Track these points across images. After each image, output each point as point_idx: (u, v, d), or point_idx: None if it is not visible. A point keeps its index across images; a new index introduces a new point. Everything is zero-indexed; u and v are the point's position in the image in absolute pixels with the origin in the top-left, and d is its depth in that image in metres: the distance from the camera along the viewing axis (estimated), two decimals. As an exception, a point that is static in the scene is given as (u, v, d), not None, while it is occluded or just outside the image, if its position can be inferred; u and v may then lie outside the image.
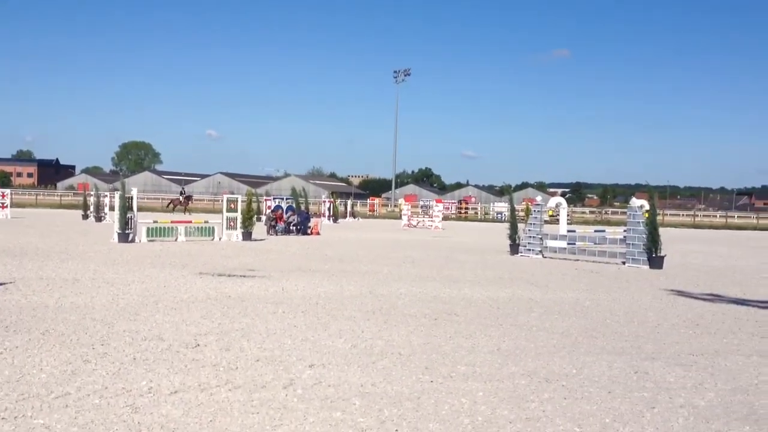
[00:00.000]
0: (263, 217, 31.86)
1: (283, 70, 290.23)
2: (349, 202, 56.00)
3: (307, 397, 5.22)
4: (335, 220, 44.04)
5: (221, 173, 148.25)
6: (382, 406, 5.02)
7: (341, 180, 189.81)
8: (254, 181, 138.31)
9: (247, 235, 23.03)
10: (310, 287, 11.56)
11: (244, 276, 12.84)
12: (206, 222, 23.59)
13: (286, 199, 31.11)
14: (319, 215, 41.56)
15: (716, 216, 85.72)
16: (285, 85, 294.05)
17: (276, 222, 27.40)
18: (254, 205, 24.79)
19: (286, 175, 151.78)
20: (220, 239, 22.38)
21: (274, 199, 37.72)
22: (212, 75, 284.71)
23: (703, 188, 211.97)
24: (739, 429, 4.74)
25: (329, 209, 44.42)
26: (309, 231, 27.94)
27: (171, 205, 50.24)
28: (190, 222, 23.50)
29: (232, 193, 28.93)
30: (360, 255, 18.68)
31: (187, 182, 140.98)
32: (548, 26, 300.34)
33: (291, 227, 27.41)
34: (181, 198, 49.12)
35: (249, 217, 23.30)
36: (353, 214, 54.58)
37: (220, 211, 25.54)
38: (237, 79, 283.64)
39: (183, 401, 5.03)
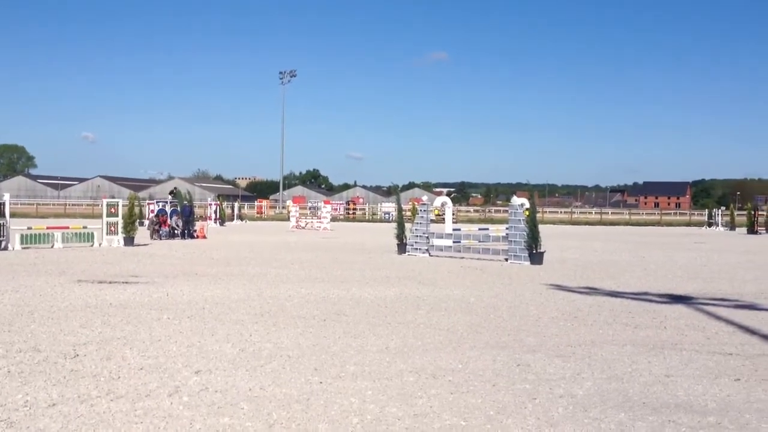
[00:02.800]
0: (146, 222, 30.97)
1: (166, 71, 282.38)
2: (236, 205, 55.19)
3: (194, 403, 5.11)
4: (222, 223, 43.29)
5: (101, 177, 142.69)
6: (270, 410, 4.98)
7: (228, 182, 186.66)
8: (136, 185, 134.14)
9: (129, 240, 22.31)
10: (196, 292, 11.32)
11: (127, 282, 12.43)
12: (85, 227, 22.70)
13: (170, 202, 30.26)
14: (205, 218, 40.71)
15: (592, 213, 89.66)
16: (167, 86, 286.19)
17: (160, 226, 26.67)
18: (136, 209, 24.02)
19: (170, 178, 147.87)
20: (100, 245, 21.60)
21: (157, 202, 36.72)
22: (87, 75, 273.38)
23: (580, 186, 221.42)
24: (614, 416, 4.97)
25: (215, 212, 43.61)
26: (194, 235, 27.36)
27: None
28: (68, 228, 22.54)
29: (113, 197, 27.97)
30: (247, 258, 18.44)
31: (64, 186, 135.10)
32: (426, 30, 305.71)
33: (175, 231, 26.75)
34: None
35: (131, 222, 22.56)
36: (240, 217, 53.82)
37: (99, 216, 24.60)
38: (114, 80, 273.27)
39: (62, 414, 4.82)
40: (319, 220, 41.32)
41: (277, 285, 12.40)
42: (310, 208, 49.22)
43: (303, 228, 40.11)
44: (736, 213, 54.17)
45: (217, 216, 43.41)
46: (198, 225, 28.88)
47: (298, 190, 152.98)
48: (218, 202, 45.59)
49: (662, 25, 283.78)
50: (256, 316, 9.01)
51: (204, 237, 27.51)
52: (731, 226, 51.08)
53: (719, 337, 8.00)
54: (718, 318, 9.41)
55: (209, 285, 12.25)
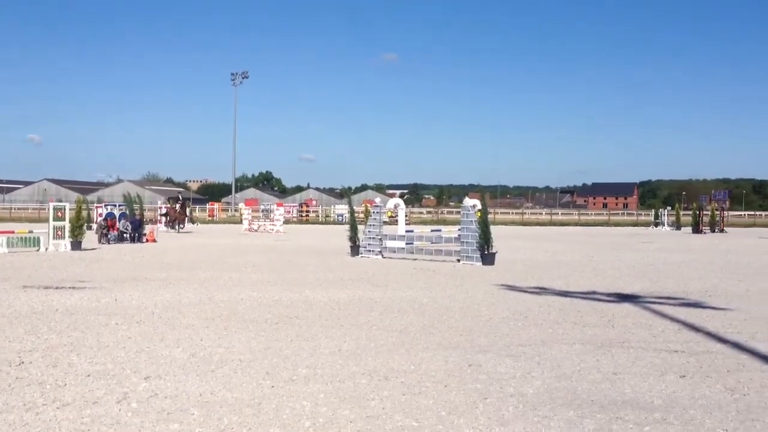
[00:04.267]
0: (94, 226, 30.41)
1: (114, 72, 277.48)
2: (188, 208, 54.47)
3: (143, 410, 5.04)
4: (172, 227, 42.72)
5: (47, 180, 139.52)
6: (221, 415, 4.94)
7: (179, 185, 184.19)
8: (84, 188, 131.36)
9: (76, 245, 21.87)
10: (145, 296, 11.15)
11: (74, 287, 12.19)
12: (31, 232, 22.18)
13: (119, 205, 29.75)
14: (155, 221, 40.13)
15: (542, 213, 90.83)
16: (116, 87, 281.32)
17: (108, 230, 26.20)
18: (84, 213, 23.56)
19: (119, 181, 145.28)
20: (46, 250, 21.12)
21: (105, 206, 36.06)
22: (32, 75, 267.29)
23: (530, 187, 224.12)
24: (563, 414, 5.05)
25: (166, 215, 43.01)
26: (144, 238, 26.95)
27: (172, 220, 39.16)
28: (13, 232, 21.99)
29: (60, 201, 27.37)
30: (199, 261, 18.24)
31: (9, 190, 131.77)
32: (377, 31, 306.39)
33: (124, 235, 26.32)
34: (177, 206, 39.54)
35: (78, 226, 22.10)
36: (192, 220, 53.18)
37: (46, 220, 24.05)
38: (61, 81, 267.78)
39: (7, 422, 4.71)
40: (272, 223, 41.11)
41: (229, 288, 12.30)
42: (262, 211, 48.75)
43: (256, 231, 39.82)
44: (681, 213, 55.41)
45: (168, 219, 42.82)
46: (147, 229, 28.43)
47: (251, 192, 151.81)
48: (169, 206, 44.97)
49: (610, 27, 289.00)
50: (207, 321, 8.92)
51: (154, 241, 27.11)
52: (677, 225, 52.26)
53: (665, 335, 8.18)
54: (664, 316, 9.62)
55: (159, 289, 12.09)
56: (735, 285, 13.54)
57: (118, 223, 26.68)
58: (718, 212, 49.57)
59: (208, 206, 76.90)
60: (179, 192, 47.41)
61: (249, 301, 10.81)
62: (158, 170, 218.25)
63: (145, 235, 27.27)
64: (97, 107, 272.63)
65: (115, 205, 33.79)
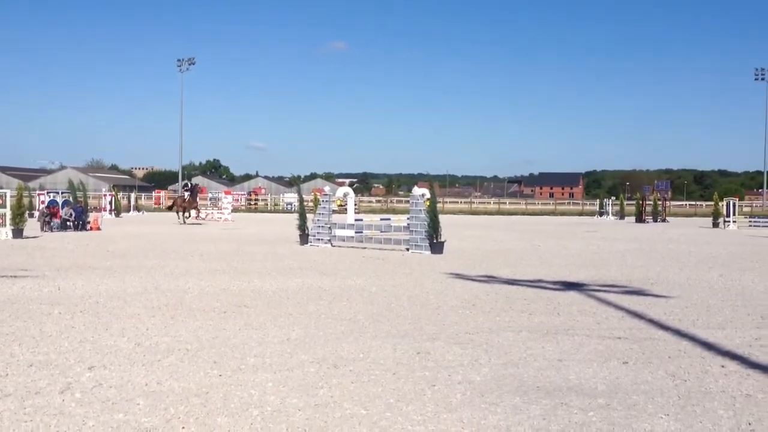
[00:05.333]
0: (36, 213, 29.70)
1: (58, 55, 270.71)
2: (133, 195, 53.71)
3: (87, 400, 4.95)
4: (117, 215, 42.02)
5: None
6: (167, 405, 4.87)
7: (124, 172, 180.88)
8: (26, 175, 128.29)
9: (17, 233, 21.34)
10: (89, 285, 10.94)
11: (15, 276, 11.89)
12: (-31, 219, 21.55)
13: (62, 192, 29.12)
14: (100, 209, 39.36)
15: (490, 203, 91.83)
16: (59, 71, 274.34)
17: (51, 218, 25.62)
18: (26, 200, 22.99)
19: (62, 168, 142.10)
20: (-15, 238, 20.54)
21: (48, 193, 35.26)
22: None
23: (479, 177, 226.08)
24: (510, 400, 5.12)
25: (111, 203, 42.27)
26: (88, 226, 26.41)
27: (177, 210, 35.10)
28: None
29: (0, 188, 26.65)
30: (145, 250, 17.96)
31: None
32: (324, 19, 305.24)
33: (68, 223, 25.76)
34: (186, 195, 35.08)
35: (20, 213, 21.57)
36: (137, 208, 52.40)
37: (-15, 207, 23.36)
38: (1, 64, 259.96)
39: (-58, 416, 4.57)
40: (219, 211, 40.74)
41: (175, 277, 12.14)
42: (210, 199, 48.28)
43: (203, 219, 39.37)
44: (625, 203, 56.57)
45: (113, 207, 42.12)
46: (92, 216, 27.88)
47: (198, 180, 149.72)
48: (113, 193, 44.21)
49: (556, 16, 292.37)
50: (153, 310, 8.79)
51: (98, 229, 26.60)
52: (621, 215, 53.39)
53: (609, 322, 8.34)
54: (608, 303, 9.81)
55: (103, 278, 11.87)
56: (676, 273, 13.88)
57: (61, 211, 26.11)
58: (661, 202, 50.72)
59: (154, 194, 75.82)
60: (189, 181, 42.48)
61: (196, 290, 10.69)
62: (103, 157, 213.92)
63: (89, 223, 26.73)
64: (39, 92, 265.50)
65: (57, 192, 33.06)
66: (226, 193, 46.41)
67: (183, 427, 4.44)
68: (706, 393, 5.35)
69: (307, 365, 6.04)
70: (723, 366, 6.21)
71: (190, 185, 36.78)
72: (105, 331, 7.40)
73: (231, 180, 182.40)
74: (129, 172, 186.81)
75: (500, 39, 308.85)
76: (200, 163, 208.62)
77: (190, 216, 35.15)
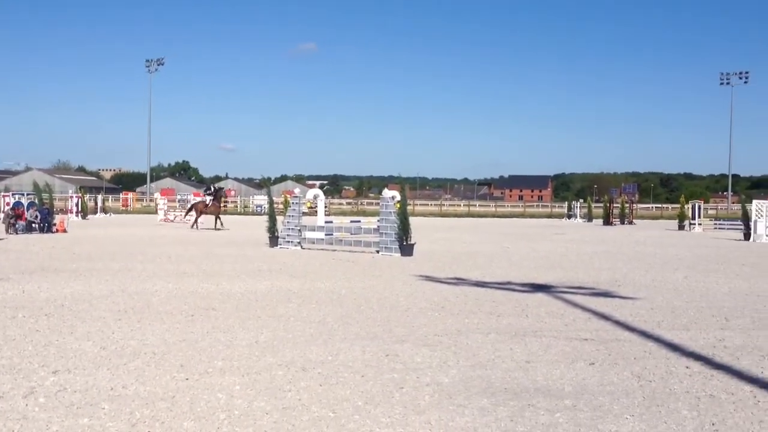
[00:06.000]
0: (1, 215, 29.22)
1: (20, 56, 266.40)
2: (100, 197, 53.08)
3: (51, 405, 4.87)
4: (84, 217, 41.51)
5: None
6: (133, 409, 4.82)
7: (91, 174, 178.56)
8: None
9: (-19, 235, 20.96)
10: (54, 288, 10.78)
11: (-23, 279, 11.68)
12: (-70, 221, 21.15)
13: (27, 194, 28.66)
14: (66, 211, 38.83)
15: (460, 205, 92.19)
16: (23, 71, 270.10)
17: (16, 220, 25.23)
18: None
19: (28, 169, 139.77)
20: (-52, 240, 20.17)
21: (13, 195, 34.71)
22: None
23: (449, 179, 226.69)
24: (478, 401, 5.14)
25: (77, 205, 41.74)
26: (54, 229, 26.06)
27: (196, 215, 32.26)
28: None
29: (-37, 189, 26.18)
30: (111, 252, 17.75)
31: None
32: (295, 20, 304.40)
33: (33, 225, 25.38)
34: (208, 199, 32.76)
35: (-17, 215, 21.22)
36: (104, 210, 51.82)
37: (-53, 209, 22.96)
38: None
39: None
40: (188, 213, 40.34)
41: (143, 280, 12.01)
42: (179, 201, 47.84)
43: (172, 221, 39.03)
44: (593, 205, 57.16)
45: (79, 209, 41.61)
46: (58, 219, 27.50)
47: (167, 182, 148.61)
48: (80, 195, 43.67)
49: (528, 20, 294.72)
50: (120, 313, 8.69)
51: (64, 231, 26.25)
52: (589, 217, 53.93)
53: (576, 324, 8.41)
54: (576, 305, 9.90)
55: (69, 281, 11.71)
56: (642, 275, 14.05)
57: (26, 213, 25.73)
58: (628, 205, 51.32)
59: (121, 196, 75.00)
60: (211, 185, 36.24)
61: (164, 292, 10.58)
62: (69, 158, 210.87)
63: (55, 225, 26.38)
64: (3, 92, 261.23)
65: (23, 194, 32.56)
66: (196, 195, 45.98)
67: (149, 431, 4.40)
68: (671, 394, 5.42)
69: (276, 368, 6.01)
70: (687, 367, 6.30)
71: (214, 188, 34.07)
72: (70, 335, 7.30)
73: (200, 182, 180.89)
74: (96, 174, 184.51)
75: (471, 41, 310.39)
76: (169, 165, 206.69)
77: (221, 223, 31.66)
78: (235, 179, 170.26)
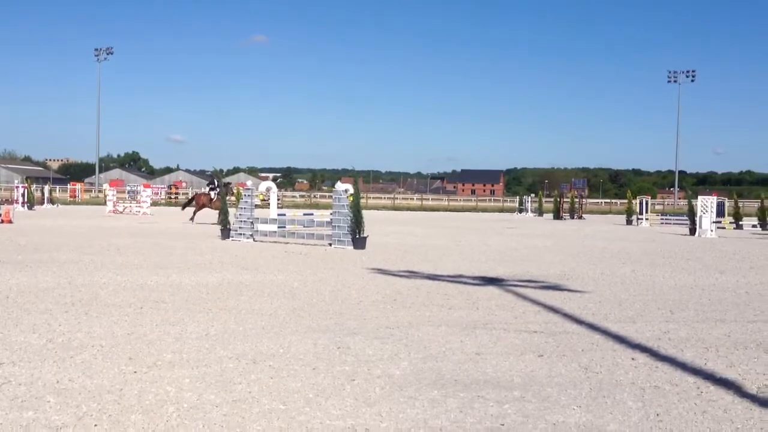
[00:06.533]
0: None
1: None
2: (47, 188, 51.96)
3: (-7, 399, 4.76)
4: (30, 207, 40.59)
5: None
6: (80, 402, 4.74)
7: (38, 164, 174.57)
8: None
9: None
10: (-2, 280, 10.53)
11: None
12: None
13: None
14: (11, 202, 37.91)
15: (413, 199, 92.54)
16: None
17: (-42, 210, 24.57)
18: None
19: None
20: None
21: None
22: None
23: (403, 173, 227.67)
24: (428, 393, 5.17)
25: (23, 195, 40.80)
26: (-1, 219, 25.44)
27: (196, 208, 30.29)
28: None
29: None
30: (58, 244, 17.39)
31: None
32: (245, 12, 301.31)
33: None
34: (213, 194, 30.32)
35: (-77, 205, 20.60)
36: (52, 201, 50.75)
37: None
38: None
39: None
40: (138, 205, 39.79)
41: (90, 272, 11.80)
42: (128, 192, 47.06)
43: (121, 212, 38.43)
44: (544, 200, 57.91)
45: (26, 199, 40.68)
46: (3, 209, 26.84)
47: (116, 173, 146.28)
48: (26, 185, 42.68)
49: (480, 15, 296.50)
50: (67, 305, 8.53)
51: (10, 222, 25.64)
52: (539, 212, 54.62)
53: (526, 316, 8.53)
54: (526, 298, 10.03)
55: (14, 272, 11.44)
56: (591, 269, 14.29)
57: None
58: (578, 200, 52.13)
59: (69, 186, 73.48)
60: (211, 174, 32.04)
61: (112, 285, 10.42)
62: (15, 148, 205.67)
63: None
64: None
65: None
66: (145, 186, 45.38)
67: (95, 425, 4.33)
68: (617, 385, 5.53)
69: (226, 361, 5.97)
70: (633, 359, 6.43)
71: (221, 182, 31.69)
72: (15, 327, 7.14)
73: (150, 173, 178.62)
74: (43, 164, 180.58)
75: (425, 34, 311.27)
76: (119, 156, 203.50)
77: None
78: (187, 171, 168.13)
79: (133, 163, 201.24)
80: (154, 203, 50.16)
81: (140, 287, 10.24)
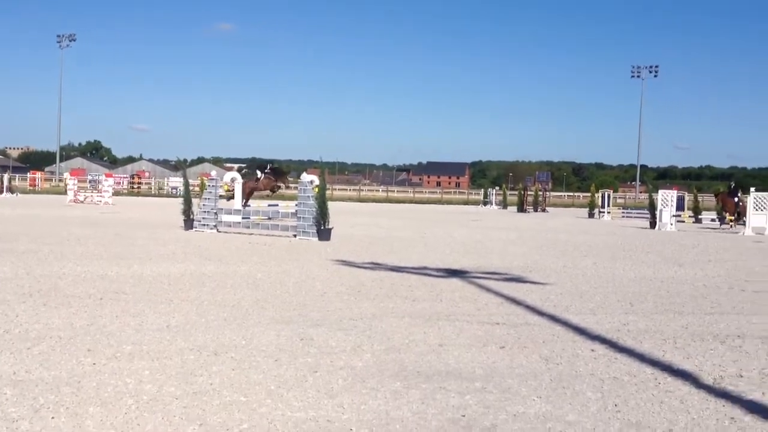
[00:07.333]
0: None
1: None
2: (6, 176, 50.98)
3: (-53, 392, 4.66)
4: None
5: None
6: (37, 394, 4.66)
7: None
8: None
9: None
10: (-46, 270, 10.31)
11: None
12: None
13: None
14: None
15: (379, 191, 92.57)
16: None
17: None
18: None
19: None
20: None
21: None
22: None
23: (368, 165, 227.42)
24: (390, 385, 5.18)
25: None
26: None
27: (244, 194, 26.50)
28: None
29: None
30: (17, 233, 17.08)
31: None
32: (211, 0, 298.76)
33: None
34: (261, 177, 28.60)
35: None
36: (11, 189, 49.84)
37: None
38: None
39: None
40: (100, 194, 39.25)
41: (50, 262, 11.60)
42: (90, 182, 46.41)
43: (82, 202, 37.86)
44: (508, 193, 58.31)
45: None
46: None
47: (78, 162, 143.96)
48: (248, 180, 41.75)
49: (446, 6, 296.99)
50: (24, 296, 8.38)
51: (-34, 210, 25.12)
52: (504, 204, 55.01)
53: (488, 308, 8.58)
54: (489, 290, 10.09)
55: (-30, 263, 11.21)
56: (553, 261, 14.43)
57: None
58: (541, 193, 52.60)
59: (29, 175, 72.20)
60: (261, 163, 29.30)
61: (72, 275, 10.26)
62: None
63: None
64: None
65: None
66: (107, 175, 44.77)
67: (53, 417, 4.26)
68: (577, 376, 5.60)
69: (187, 352, 5.92)
70: (593, 350, 6.51)
71: (271, 168, 29.19)
72: (-31, 319, 7.00)
73: (113, 162, 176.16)
74: (3, 152, 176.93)
75: (390, 25, 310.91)
76: (80, 144, 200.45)
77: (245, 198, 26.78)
78: (150, 160, 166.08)
79: (95, 151, 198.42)
80: (116, 193, 49.51)
81: (100, 278, 10.10)
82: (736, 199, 31.29)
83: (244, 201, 27.95)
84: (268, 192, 29.10)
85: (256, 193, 29.07)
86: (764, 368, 6.00)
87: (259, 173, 29.22)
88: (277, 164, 32.22)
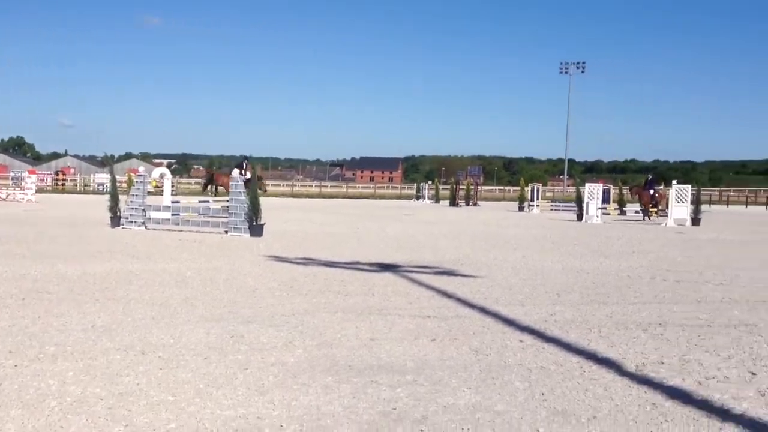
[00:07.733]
0: None
1: None
2: None
3: None
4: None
5: None
6: (-47, 399, 4.49)
7: None
8: None
9: None
10: None
11: None
12: None
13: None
14: None
15: (312, 186, 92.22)
16: None
17: None
18: None
19: None
20: None
21: None
22: None
23: (302, 160, 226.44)
24: (322, 380, 5.17)
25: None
26: None
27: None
28: None
29: None
30: (-67, 233, 16.40)
31: None
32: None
33: None
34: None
35: None
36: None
37: None
38: None
39: None
40: (22, 192, 38.02)
41: (-32, 262, 11.18)
42: (12, 178, 44.88)
43: (4, 200, 36.61)
44: (440, 187, 58.86)
45: None
46: None
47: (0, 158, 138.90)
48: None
49: (388, 6, 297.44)
50: (-60, 298, 8.06)
51: None
52: (436, 199, 55.56)
53: (420, 302, 8.65)
54: (421, 284, 10.16)
55: None
56: (484, 254, 14.62)
57: None
58: (473, 187, 53.19)
59: (-54, 172, 69.41)
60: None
61: (-8, 275, 9.91)
62: None
63: None
64: None
65: None
66: (30, 172, 43.31)
67: (-31, 423, 4.11)
68: (505, 366, 5.69)
69: (113, 353, 5.78)
70: (521, 341, 6.63)
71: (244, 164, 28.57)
72: None
73: (37, 159, 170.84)
74: None
75: (326, 22, 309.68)
76: (2, 140, 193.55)
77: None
78: (75, 156, 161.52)
79: (17, 147, 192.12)
80: (40, 190, 48.03)
81: (22, 277, 9.79)
82: (652, 191, 32.09)
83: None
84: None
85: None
86: (684, 355, 6.21)
87: (237, 171, 28.49)
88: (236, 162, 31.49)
